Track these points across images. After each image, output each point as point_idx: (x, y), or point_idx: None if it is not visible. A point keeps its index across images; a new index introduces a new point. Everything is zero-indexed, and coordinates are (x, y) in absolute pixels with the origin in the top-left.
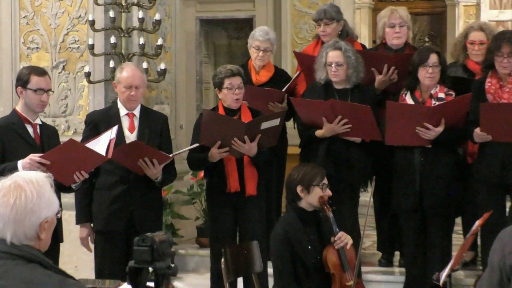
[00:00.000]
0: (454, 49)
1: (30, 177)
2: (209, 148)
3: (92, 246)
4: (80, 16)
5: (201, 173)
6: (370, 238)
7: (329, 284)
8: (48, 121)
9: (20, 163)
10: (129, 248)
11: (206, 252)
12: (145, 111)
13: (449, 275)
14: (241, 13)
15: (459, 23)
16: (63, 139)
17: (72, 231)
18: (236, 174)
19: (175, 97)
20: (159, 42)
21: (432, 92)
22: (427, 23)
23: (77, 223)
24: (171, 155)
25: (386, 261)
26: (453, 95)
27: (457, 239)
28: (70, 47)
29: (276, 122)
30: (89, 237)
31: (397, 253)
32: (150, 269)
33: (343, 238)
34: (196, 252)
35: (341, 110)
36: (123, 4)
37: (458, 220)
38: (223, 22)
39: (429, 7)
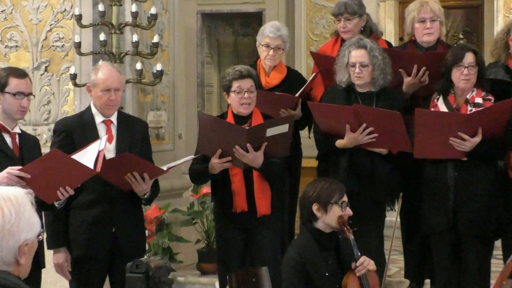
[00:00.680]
0: (494, 47)
1: (7, 194)
2: (209, 158)
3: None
4: (65, 10)
5: (203, 189)
6: (396, 264)
7: None
8: (29, 129)
9: None
10: (111, 277)
11: (209, 279)
12: (123, 117)
13: None
14: (249, 7)
15: (498, 17)
16: (45, 150)
17: (48, 255)
18: (244, 191)
19: (173, 102)
20: (155, 39)
21: (468, 96)
22: (462, 18)
23: (49, 248)
24: (165, 168)
25: None
26: (492, 101)
27: (496, 264)
28: (53, 46)
29: (284, 128)
30: (67, 263)
31: (427, 281)
32: None
33: (366, 264)
34: (197, 280)
35: (366, 116)
36: None
37: (498, 243)
38: (228, 17)
39: None
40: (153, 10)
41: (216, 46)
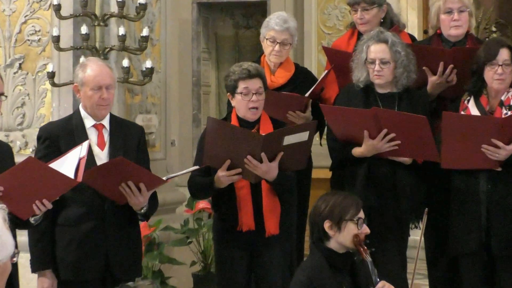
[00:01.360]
0: None
1: None
2: (216, 169)
3: None
4: None
5: (199, 204)
6: None
7: None
8: (0, 135)
9: None
10: None
11: None
12: (116, 121)
13: None
14: None
15: None
16: (19, 159)
17: (32, 279)
18: (251, 207)
19: (165, 104)
20: (145, 32)
21: (503, 98)
22: (495, 8)
23: (33, 271)
24: (165, 178)
25: None
26: None
27: None
28: (29, 40)
29: (303, 136)
30: None
31: None
32: None
33: None
34: None
35: (387, 121)
36: None
37: None
38: (228, 7)
39: None
40: None
41: (214, 40)
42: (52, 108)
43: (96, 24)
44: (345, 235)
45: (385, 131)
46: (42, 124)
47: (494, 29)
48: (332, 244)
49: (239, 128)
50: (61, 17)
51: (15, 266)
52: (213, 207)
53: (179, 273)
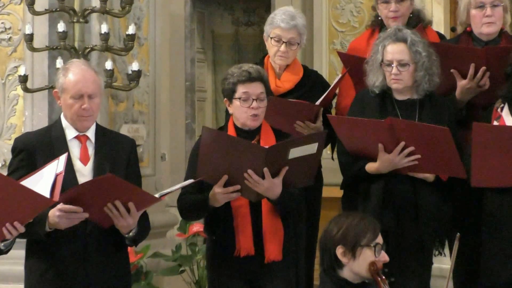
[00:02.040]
0: None
1: None
2: (210, 186)
3: None
4: None
5: (193, 227)
6: None
7: None
8: None
9: None
10: None
11: None
12: (103, 132)
13: None
14: None
15: None
16: None
17: None
18: (250, 229)
19: (154, 112)
20: (131, 30)
21: None
22: None
23: None
24: (157, 195)
25: None
26: None
27: None
28: None
29: (312, 149)
30: None
31: None
32: None
33: None
34: None
35: (405, 133)
36: None
37: None
38: (226, 1)
39: None
40: None
41: (211, 39)
42: (24, 117)
43: (75, 20)
44: (361, 263)
45: (402, 144)
46: (13, 136)
47: None
48: (346, 273)
49: (239, 139)
50: (34, 13)
51: None
52: (206, 230)
53: None
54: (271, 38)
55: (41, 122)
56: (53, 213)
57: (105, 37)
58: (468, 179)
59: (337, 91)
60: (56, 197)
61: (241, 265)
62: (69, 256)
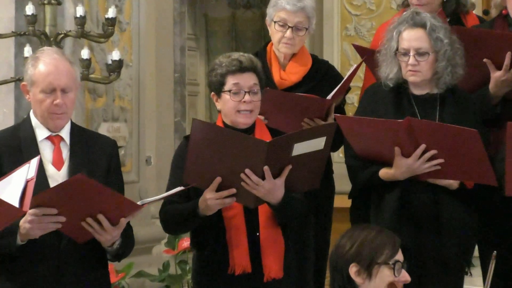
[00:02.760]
0: None
1: None
2: (198, 193)
3: None
4: None
5: (183, 242)
6: None
7: None
8: None
9: None
10: None
11: None
12: (79, 132)
13: None
14: None
15: None
16: None
17: None
18: (246, 241)
19: (137, 109)
20: (111, 13)
21: None
22: None
23: None
24: (139, 203)
25: None
26: None
27: None
28: None
29: (319, 144)
30: None
31: None
32: None
33: None
34: None
35: (426, 135)
36: None
37: None
38: None
39: None
40: None
41: (204, 24)
42: None
43: (45, 2)
44: (378, 284)
45: (423, 147)
46: None
47: None
48: None
49: (235, 132)
50: None
51: None
52: (192, 244)
53: None
54: (274, 22)
55: (6, 119)
56: (25, 220)
57: (81, 21)
58: (501, 188)
59: (351, 84)
60: (26, 206)
61: (237, 284)
62: (40, 277)
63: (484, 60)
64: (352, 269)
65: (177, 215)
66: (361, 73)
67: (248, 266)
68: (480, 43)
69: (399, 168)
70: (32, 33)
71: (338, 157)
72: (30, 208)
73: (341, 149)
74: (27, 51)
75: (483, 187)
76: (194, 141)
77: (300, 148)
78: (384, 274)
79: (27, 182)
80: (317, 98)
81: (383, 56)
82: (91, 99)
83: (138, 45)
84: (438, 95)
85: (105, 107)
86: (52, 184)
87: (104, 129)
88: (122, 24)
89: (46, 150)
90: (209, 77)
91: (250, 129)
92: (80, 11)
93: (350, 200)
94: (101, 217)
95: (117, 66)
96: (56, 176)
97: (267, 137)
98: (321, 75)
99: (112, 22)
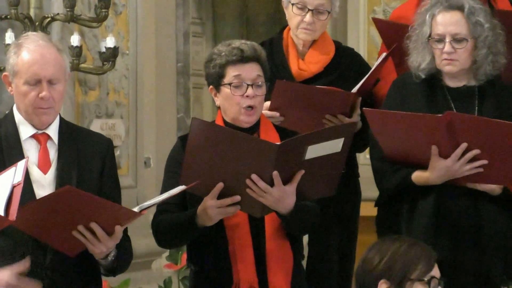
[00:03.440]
0: None
1: None
2: (196, 200)
3: None
4: None
5: (185, 256)
6: None
7: None
8: None
9: None
10: None
11: None
12: (69, 130)
13: None
14: None
15: None
16: None
17: None
18: (252, 254)
19: (135, 104)
20: None
21: None
22: None
23: None
24: (136, 209)
25: None
26: None
27: None
28: None
29: (335, 146)
30: None
31: None
32: None
33: None
34: None
35: (467, 132)
36: None
37: None
38: None
39: None
40: None
41: (211, 6)
42: None
43: None
44: None
45: (464, 146)
46: None
47: None
48: None
49: (241, 134)
50: None
51: None
52: (189, 259)
53: None
54: (292, 4)
55: None
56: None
57: (70, 3)
58: None
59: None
60: (13, 215)
61: None
62: None
63: None
64: (382, 286)
65: (172, 226)
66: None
67: (254, 281)
68: None
69: (436, 171)
70: (15, 16)
71: (364, 158)
72: (17, 218)
73: (367, 150)
74: (9, 37)
75: None
76: (193, 143)
77: (314, 151)
78: None
79: (13, 187)
80: (341, 91)
81: (414, 42)
82: (82, 92)
83: (135, 31)
84: (476, 88)
85: (97, 102)
86: (37, 189)
87: (96, 127)
88: (117, 6)
89: (31, 150)
90: (206, 68)
91: (254, 128)
92: None
93: (377, 208)
94: (94, 225)
95: (112, 54)
96: (42, 181)
97: (273, 137)
98: (345, 65)
99: (106, 4)
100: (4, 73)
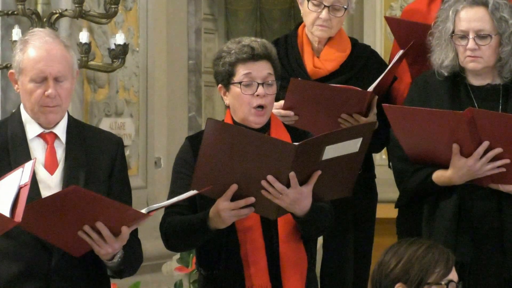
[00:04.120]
0: None
1: None
2: (207, 202)
3: None
4: None
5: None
6: None
7: None
8: None
9: None
10: None
11: None
12: (77, 129)
13: None
14: None
15: None
16: None
17: None
18: (265, 257)
19: (145, 102)
20: None
21: None
22: None
23: None
24: (145, 211)
25: None
26: None
27: None
28: None
29: (353, 146)
30: None
31: None
32: None
33: None
34: None
35: (489, 130)
36: None
37: None
38: None
39: None
40: None
41: (223, 2)
42: None
43: None
44: None
45: (486, 144)
46: None
47: None
48: None
49: (258, 134)
50: None
51: None
52: (199, 263)
53: None
54: (308, 1)
55: None
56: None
57: None
58: None
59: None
60: (19, 216)
61: None
62: None
63: None
64: None
65: (183, 229)
66: None
67: (268, 286)
68: None
69: (457, 170)
70: (22, 12)
71: (380, 159)
72: (23, 218)
73: (384, 150)
74: (16, 33)
75: None
76: (208, 144)
77: (331, 151)
78: None
79: (20, 188)
80: (357, 90)
81: (437, 39)
82: (91, 90)
83: (146, 27)
84: (501, 86)
85: (107, 100)
86: (43, 190)
87: (105, 126)
88: (127, 2)
89: (38, 150)
90: (215, 66)
91: (265, 128)
92: None
93: (395, 210)
94: (100, 225)
95: (122, 51)
96: (49, 182)
97: (285, 137)
98: (362, 63)
99: (115, 0)
100: (10, 71)
